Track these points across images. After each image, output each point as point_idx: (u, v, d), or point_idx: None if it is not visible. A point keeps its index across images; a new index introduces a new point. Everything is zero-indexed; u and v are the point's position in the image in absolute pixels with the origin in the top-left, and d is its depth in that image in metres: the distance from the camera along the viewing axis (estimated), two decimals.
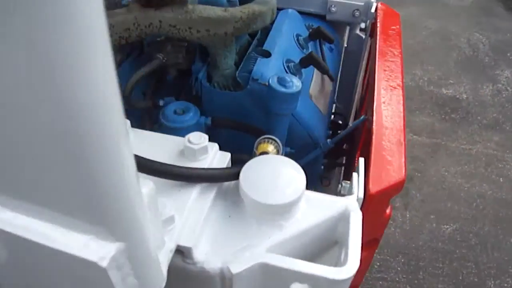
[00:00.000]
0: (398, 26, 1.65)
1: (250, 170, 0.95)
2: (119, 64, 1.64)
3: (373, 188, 1.02)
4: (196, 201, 0.95)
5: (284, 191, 0.92)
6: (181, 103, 1.55)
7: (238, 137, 1.52)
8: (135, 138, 1.10)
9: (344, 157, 2.03)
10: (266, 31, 1.66)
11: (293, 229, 0.95)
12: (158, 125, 1.53)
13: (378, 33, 1.58)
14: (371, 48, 1.74)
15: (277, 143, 1.23)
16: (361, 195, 1.00)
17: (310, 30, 1.75)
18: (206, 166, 1.01)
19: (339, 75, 2.23)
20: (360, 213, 0.94)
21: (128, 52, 1.68)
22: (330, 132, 1.82)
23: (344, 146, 1.89)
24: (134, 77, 1.48)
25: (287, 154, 1.51)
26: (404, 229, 3.31)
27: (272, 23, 1.67)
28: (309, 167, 1.60)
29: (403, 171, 1.06)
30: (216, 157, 1.04)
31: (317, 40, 1.75)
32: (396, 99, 1.29)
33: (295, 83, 1.30)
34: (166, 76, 1.68)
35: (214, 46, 1.46)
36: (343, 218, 0.96)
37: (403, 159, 1.09)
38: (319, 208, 0.97)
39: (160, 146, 1.07)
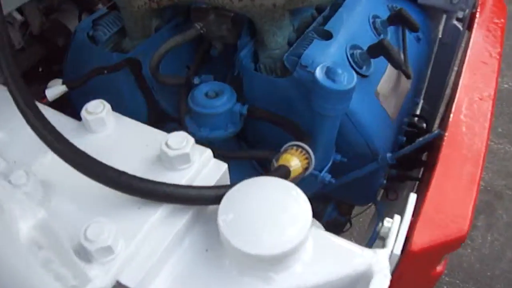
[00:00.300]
0: (502, 21, 1.27)
1: (235, 200, 0.68)
2: (155, 30, 1.40)
3: (418, 242, 0.71)
4: (157, 226, 0.70)
5: (278, 235, 0.64)
6: (217, 84, 1.29)
7: (279, 133, 1.24)
8: (115, 128, 0.87)
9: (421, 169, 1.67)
10: (336, 7, 1.35)
11: (286, 286, 0.67)
12: (188, 109, 1.29)
13: (475, 25, 1.21)
14: (467, 42, 1.38)
15: (308, 155, 0.94)
16: (398, 250, 0.70)
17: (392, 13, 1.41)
18: (185, 179, 0.75)
19: (429, 70, 1.86)
20: (387, 277, 0.65)
21: (170, 17, 1.44)
22: (404, 139, 1.48)
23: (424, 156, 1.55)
24: (163, 47, 1.24)
25: (335, 163, 1.21)
26: (482, 253, 2.88)
27: None
28: (364, 180, 1.29)
29: (468, 221, 0.74)
30: (206, 168, 0.78)
31: (400, 27, 1.41)
32: (482, 115, 0.95)
33: (348, 78, 0.99)
34: (210, 50, 1.43)
35: (260, 19, 1.18)
36: (363, 280, 0.67)
37: (471, 204, 0.76)
38: (331, 259, 0.69)
39: (139, 144, 0.82)
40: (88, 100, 1.68)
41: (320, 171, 1.20)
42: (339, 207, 1.49)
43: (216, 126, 1.27)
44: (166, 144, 0.74)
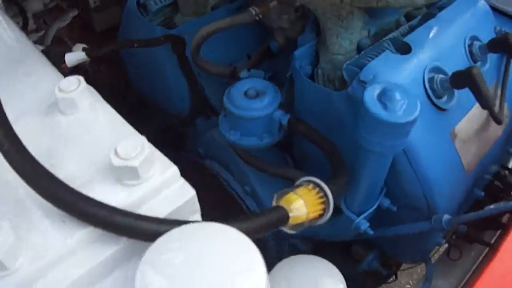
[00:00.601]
0: None
1: (167, 247, 0.47)
2: (212, 8, 1.22)
3: None
4: (78, 249, 0.53)
5: None
6: (261, 83, 1.08)
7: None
8: (84, 114, 0.69)
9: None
10: (430, 17, 1.08)
11: None
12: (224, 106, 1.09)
13: None
14: None
15: (326, 198, 0.71)
16: None
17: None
18: (132, 197, 0.56)
19: None
20: None
21: None
22: (482, 194, 1.18)
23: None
24: (205, 28, 1.05)
25: (381, 209, 0.96)
26: None
27: (441, 8, 1.08)
28: (414, 236, 1.03)
29: None
30: (168, 190, 0.59)
31: (504, 56, 1.11)
32: None
33: (408, 108, 0.74)
34: (270, 43, 1.22)
35: (323, 14, 0.95)
36: None
37: None
38: None
39: (102, 140, 0.64)
40: (139, 74, 1.56)
41: (358, 215, 0.96)
42: (382, 256, 1.23)
43: (248, 132, 1.06)
44: (115, 151, 0.54)
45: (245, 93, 1.06)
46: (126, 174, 0.55)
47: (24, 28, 1.35)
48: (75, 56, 1.04)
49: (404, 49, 0.96)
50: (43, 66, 0.88)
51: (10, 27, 1.00)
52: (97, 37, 1.75)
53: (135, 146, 0.55)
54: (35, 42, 1.39)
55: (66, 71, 1.07)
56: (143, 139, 0.56)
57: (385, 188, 0.98)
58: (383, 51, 0.95)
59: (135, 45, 1.16)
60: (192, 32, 1.12)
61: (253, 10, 1.07)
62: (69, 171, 0.59)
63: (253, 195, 1.26)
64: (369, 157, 0.83)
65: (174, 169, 0.59)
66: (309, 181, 0.74)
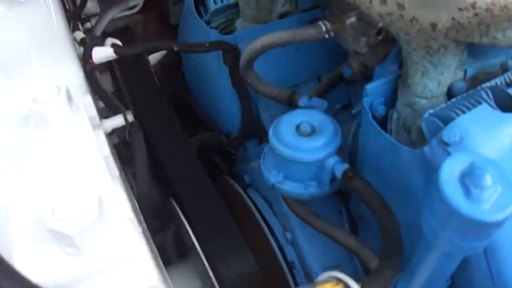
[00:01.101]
0: None
1: None
2: (280, 16, 1.02)
3: None
4: None
5: None
6: (320, 118, 0.87)
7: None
8: (55, 133, 0.52)
9: None
10: None
11: None
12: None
13: None
14: None
15: None
16: None
17: None
18: None
19: None
20: None
21: (309, 5, 1.04)
22: None
23: None
24: (259, 41, 0.85)
25: None
26: None
27: None
28: None
29: None
30: None
31: None
32: None
33: (500, 201, 0.50)
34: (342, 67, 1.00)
35: (408, 44, 0.72)
36: None
37: None
38: None
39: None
40: (195, 82, 1.38)
41: None
42: None
43: (293, 177, 0.85)
44: (53, 210, 0.36)
45: (297, 128, 0.85)
46: (63, 240, 0.37)
47: (81, 7, 1.22)
48: (103, 52, 0.89)
49: (508, 104, 0.71)
50: (53, 61, 0.74)
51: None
52: (172, 30, 1.62)
53: (85, 203, 0.36)
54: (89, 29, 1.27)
55: (95, 67, 0.91)
56: (105, 189, 0.38)
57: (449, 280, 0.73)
58: (479, 103, 0.70)
59: (175, 49, 0.99)
60: (249, 41, 0.93)
61: (323, 26, 0.85)
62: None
63: (294, 245, 1.05)
64: (433, 252, 0.59)
65: (139, 246, 0.40)
66: (334, 278, 0.52)
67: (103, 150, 0.56)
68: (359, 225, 1.00)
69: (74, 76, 0.76)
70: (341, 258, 1.04)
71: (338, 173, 0.81)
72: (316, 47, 1.08)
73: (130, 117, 0.85)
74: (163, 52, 1.43)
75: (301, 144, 0.82)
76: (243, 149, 1.23)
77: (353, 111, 0.91)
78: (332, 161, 0.81)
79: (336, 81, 1.10)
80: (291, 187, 0.86)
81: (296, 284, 1.05)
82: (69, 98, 0.56)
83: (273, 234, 1.06)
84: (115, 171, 0.58)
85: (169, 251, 1.20)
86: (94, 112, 0.64)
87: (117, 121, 0.83)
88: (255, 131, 1.16)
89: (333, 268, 1.05)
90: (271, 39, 0.85)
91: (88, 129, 0.55)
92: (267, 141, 1.14)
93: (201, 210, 1.02)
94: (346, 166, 0.81)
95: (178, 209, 1.09)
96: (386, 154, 0.78)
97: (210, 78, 1.12)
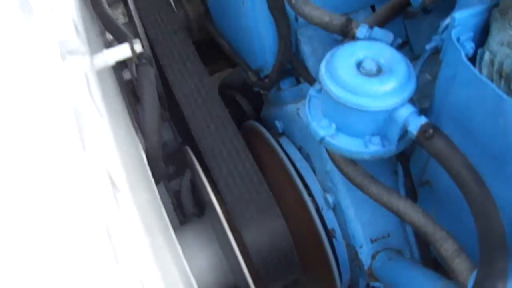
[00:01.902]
0: None
1: None
2: None
3: None
4: None
5: None
6: (388, 53, 0.69)
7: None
8: None
9: None
10: None
11: None
12: None
13: None
14: None
15: None
16: None
17: None
18: None
19: None
20: None
21: None
22: None
23: None
24: None
25: None
26: None
27: None
28: None
29: None
30: None
31: None
32: None
33: None
34: None
35: None
36: None
37: None
38: None
39: None
40: (220, 10, 1.18)
41: None
42: None
43: (348, 130, 0.67)
44: None
45: (359, 65, 0.64)
46: None
47: None
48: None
49: None
50: None
51: None
52: None
53: None
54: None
55: None
56: None
57: None
58: None
59: None
60: None
61: None
62: None
63: (336, 210, 0.87)
64: None
65: None
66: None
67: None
68: (419, 193, 0.81)
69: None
70: (390, 227, 0.88)
71: (413, 128, 0.61)
72: None
73: (138, 47, 0.67)
74: None
75: (365, 86, 0.62)
76: (276, 89, 1.03)
77: (427, 47, 0.71)
78: (405, 112, 0.62)
79: (394, 12, 0.89)
80: (346, 143, 0.67)
81: (335, 256, 0.89)
82: None
83: (310, 194, 0.90)
84: None
85: (185, 199, 1.08)
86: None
87: (122, 51, 0.65)
88: (292, 68, 0.97)
89: (382, 238, 0.88)
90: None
91: None
92: (306, 80, 0.95)
93: (223, 161, 0.85)
94: (424, 119, 0.61)
95: (195, 160, 0.92)
96: (480, 109, 0.58)
97: (238, 2, 0.92)
